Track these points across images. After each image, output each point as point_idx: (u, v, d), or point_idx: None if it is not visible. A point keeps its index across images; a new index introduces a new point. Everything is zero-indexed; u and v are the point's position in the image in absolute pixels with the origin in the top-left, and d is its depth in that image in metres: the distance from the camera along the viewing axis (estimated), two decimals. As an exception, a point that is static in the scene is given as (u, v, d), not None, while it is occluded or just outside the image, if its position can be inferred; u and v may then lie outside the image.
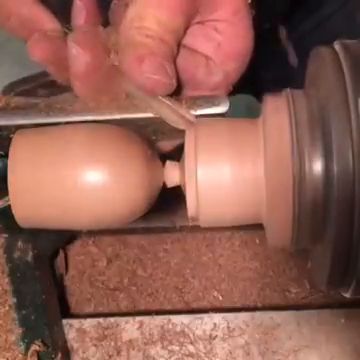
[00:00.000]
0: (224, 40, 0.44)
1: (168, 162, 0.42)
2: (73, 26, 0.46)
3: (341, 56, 0.36)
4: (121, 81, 0.42)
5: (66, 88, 0.51)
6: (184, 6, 0.41)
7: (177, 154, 0.43)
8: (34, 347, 0.56)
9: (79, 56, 0.41)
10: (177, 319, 0.61)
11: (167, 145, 0.46)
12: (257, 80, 0.64)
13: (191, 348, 0.60)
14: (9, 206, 0.41)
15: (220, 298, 0.65)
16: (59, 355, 0.57)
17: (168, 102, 0.42)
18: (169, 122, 0.42)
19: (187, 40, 0.44)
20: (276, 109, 0.38)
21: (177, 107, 0.42)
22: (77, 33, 0.43)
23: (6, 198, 0.42)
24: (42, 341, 0.57)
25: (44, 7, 0.45)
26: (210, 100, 0.43)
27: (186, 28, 0.43)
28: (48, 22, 0.45)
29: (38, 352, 0.56)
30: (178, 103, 0.42)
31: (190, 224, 0.40)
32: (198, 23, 0.44)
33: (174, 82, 0.41)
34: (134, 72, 0.40)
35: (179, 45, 0.43)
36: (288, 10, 0.63)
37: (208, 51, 0.44)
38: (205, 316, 0.61)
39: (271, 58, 0.66)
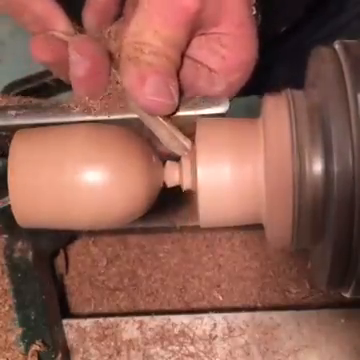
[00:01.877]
0: (228, 53, 0.43)
1: (168, 162, 0.42)
2: (84, 20, 0.45)
3: (341, 56, 0.36)
4: (122, 93, 0.42)
5: (66, 88, 0.52)
6: (188, 20, 0.41)
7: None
8: (34, 347, 0.56)
9: (78, 62, 0.41)
10: (177, 319, 0.61)
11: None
12: (270, 81, 0.63)
13: (191, 348, 0.60)
14: (9, 206, 0.41)
15: (220, 298, 0.65)
16: (59, 355, 0.57)
17: (167, 125, 0.41)
18: (164, 144, 0.42)
19: (190, 51, 0.43)
20: (276, 109, 0.38)
21: (174, 131, 0.41)
22: (78, 39, 0.43)
23: (6, 198, 0.42)
24: (42, 341, 0.57)
25: (59, 6, 0.44)
26: (210, 100, 0.43)
27: (189, 41, 0.43)
28: (60, 22, 0.44)
29: (38, 352, 0.56)
30: (176, 128, 0.42)
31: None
32: (201, 34, 0.43)
33: (176, 101, 0.41)
34: (136, 93, 0.40)
35: (182, 57, 0.43)
36: (302, 13, 0.62)
37: (213, 64, 0.44)
38: (205, 316, 0.61)
39: (287, 59, 0.65)
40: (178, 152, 0.41)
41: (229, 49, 0.43)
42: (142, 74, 0.40)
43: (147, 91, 0.40)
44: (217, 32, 0.43)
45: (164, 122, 0.41)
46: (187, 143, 0.41)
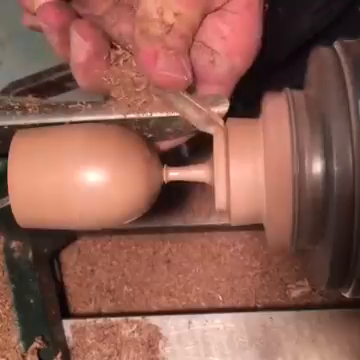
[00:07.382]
0: (231, 33, 0.43)
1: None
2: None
3: (341, 56, 0.36)
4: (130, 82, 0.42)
5: (65, 88, 0.51)
6: None
7: (176, 153, 0.43)
8: (35, 344, 0.56)
9: (80, 45, 0.40)
10: (177, 319, 0.61)
11: (166, 144, 0.45)
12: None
13: (190, 348, 0.60)
14: (9, 206, 0.41)
15: (220, 298, 0.65)
16: (59, 355, 0.58)
17: (189, 99, 0.41)
18: (192, 122, 0.41)
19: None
20: (276, 109, 0.37)
21: (199, 105, 0.41)
22: (81, 22, 0.42)
23: (6, 198, 0.42)
24: (42, 339, 0.57)
25: None
26: (210, 100, 0.43)
27: (202, 20, 0.42)
28: None
29: (38, 350, 0.56)
30: (202, 102, 0.41)
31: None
32: (208, 14, 0.43)
33: (190, 76, 0.40)
34: (149, 69, 0.40)
35: (193, 39, 0.42)
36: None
37: (214, 44, 0.43)
38: (205, 316, 0.61)
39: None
40: (202, 127, 0.41)
41: (232, 28, 0.43)
42: (155, 50, 0.39)
43: (160, 67, 0.39)
44: (223, 9, 0.42)
45: (190, 99, 0.41)
46: (218, 119, 0.41)
